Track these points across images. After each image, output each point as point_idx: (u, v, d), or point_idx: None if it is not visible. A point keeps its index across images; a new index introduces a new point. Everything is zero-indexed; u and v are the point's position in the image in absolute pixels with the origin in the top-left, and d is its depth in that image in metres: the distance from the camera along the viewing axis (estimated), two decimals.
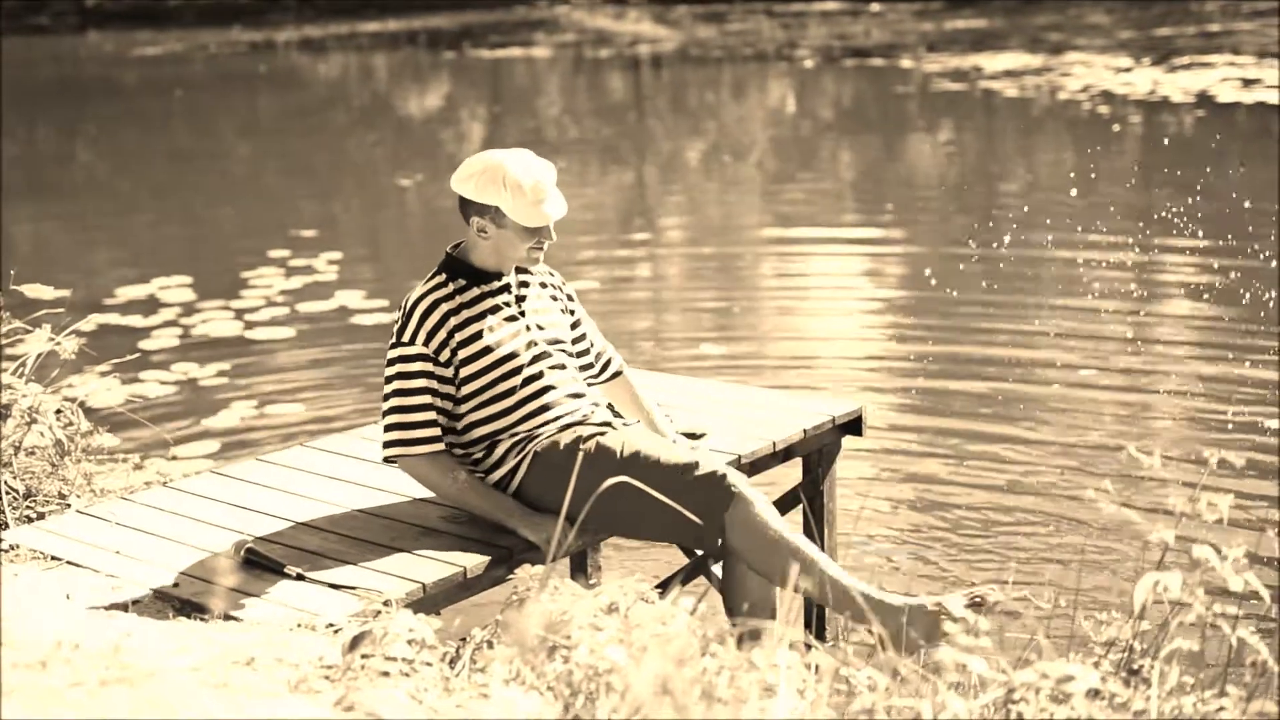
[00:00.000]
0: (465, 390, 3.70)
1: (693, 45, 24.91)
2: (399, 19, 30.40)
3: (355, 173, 14.49)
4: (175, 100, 20.20)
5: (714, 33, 26.36)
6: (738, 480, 3.54)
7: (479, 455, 3.76)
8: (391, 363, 3.70)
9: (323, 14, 31.41)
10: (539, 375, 3.75)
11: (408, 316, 3.69)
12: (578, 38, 26.82)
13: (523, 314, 3.79)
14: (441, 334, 3.67)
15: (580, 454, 3.59)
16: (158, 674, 2.48)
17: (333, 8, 31.99)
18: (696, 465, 3.55)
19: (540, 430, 3.73)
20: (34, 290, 4.42)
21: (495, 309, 3.75)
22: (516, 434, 3.72)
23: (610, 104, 19.47)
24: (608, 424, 3.80)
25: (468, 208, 3.71)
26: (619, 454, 3.61)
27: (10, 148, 16.07)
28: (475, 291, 3.75)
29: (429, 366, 3.67)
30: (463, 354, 3.68)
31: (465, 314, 3.71)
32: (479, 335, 3.70)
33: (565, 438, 3.70)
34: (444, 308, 3.69)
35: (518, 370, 3.71)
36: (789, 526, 3.53)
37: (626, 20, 29.23)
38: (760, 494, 3.56)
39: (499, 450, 3.73)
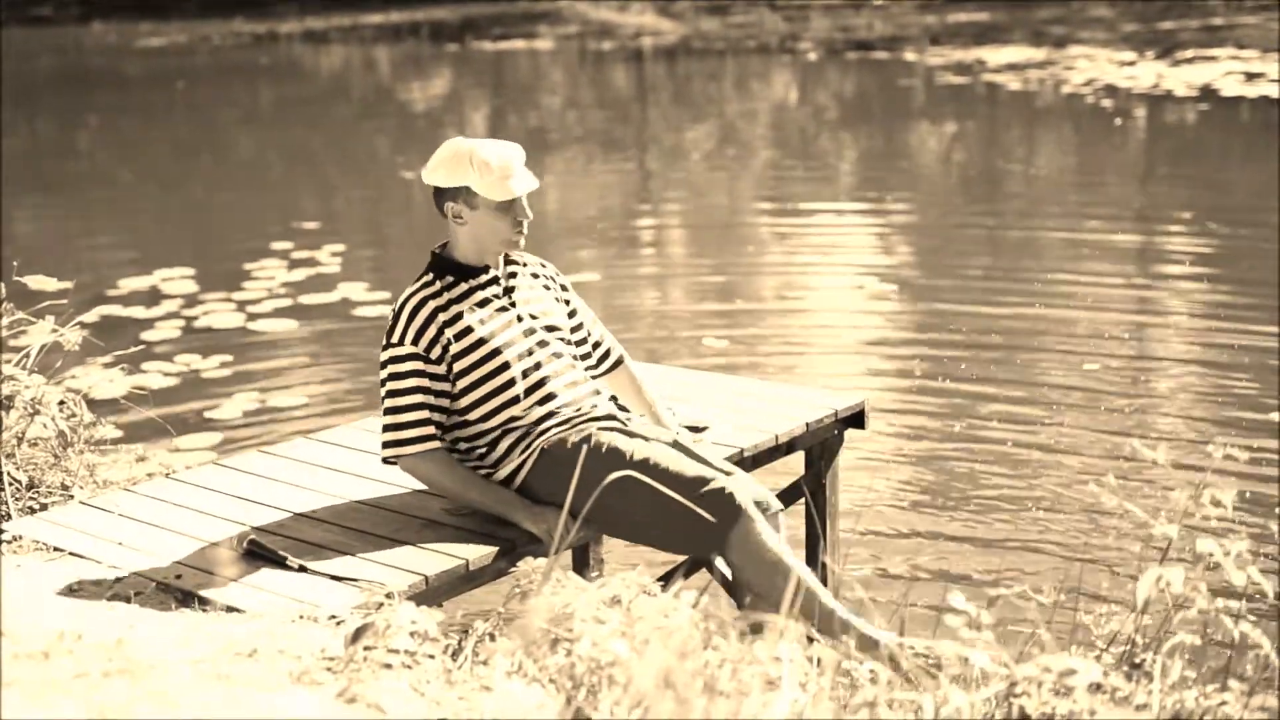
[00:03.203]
0: (461, 384, 3.70)
1: (696, 38, 24.88)
2: (401, 10, 30.37)
3: (358, 165, 14.48)
4: (178, 92, 20.19)
5: (717, 25, 26.33)
6: (744, 499, 3.53)
7: (483, 450, 3.75)
8: (384, 365, 3.72)
9: (325, 6, 31.37)
10: (536, 366, 3.75)
11: (396, 318, 3.71)
12: (581, 30, 26.79)
13: (513, 304, 3.80)
14: (431, 331, 3.67)
15: (587, 450, 3.59)
16: (160, 665, 2.48)
17: None
18: (705, 480, 3.54)
19: (545, 425, 3.72)
20: (37, 281, 4.42)
21: (484, 302, 3.76)
22: (520, 429, 3.72)
23: (613, 96, 19.45)
24: (612, 417, 3.79)
25: (441, 197, 3.73)
26: (629, 457, 3.61)
27: (13, 139, 16.07)
28: (463, 287, 3.76)
29: (419, 365, 3.67)
30: (455, 348, 3.68)
31: (454, 309, 3.71)
32: (470, 329, 3.70)
33: (573, 435, 3.69)
34: (431, 305, 3.70)
35: (513, 362, 3.71)
36: (789, 550, 3.53)
37: (630, 12, 29.19)
38: (760, 517, 3.53)
39: (502, 446, 3.73)
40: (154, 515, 3.79)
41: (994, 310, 8.14)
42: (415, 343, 3.67)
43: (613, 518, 3.62)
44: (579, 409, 3.77)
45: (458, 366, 3.69)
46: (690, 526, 3.45)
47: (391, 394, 3.69)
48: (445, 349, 3.68)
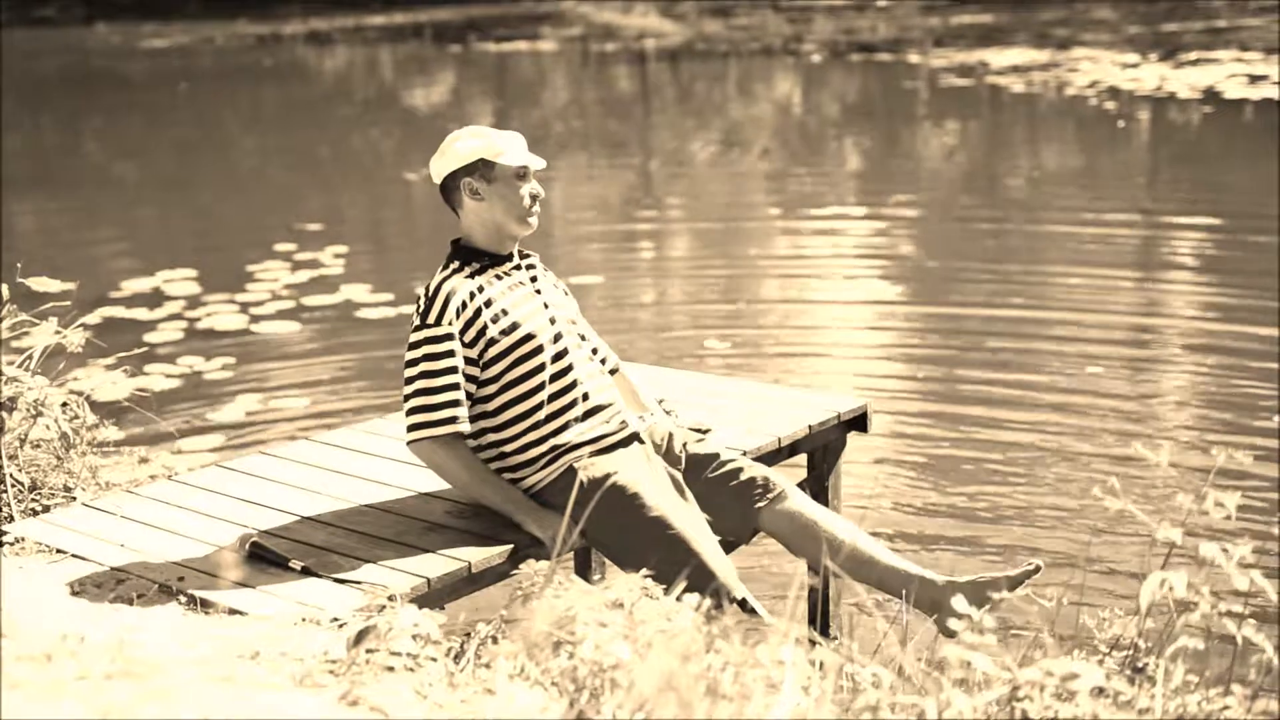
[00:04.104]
0: (492, 371, 3.67)
1: (699, 39, 24.90)
2: (405, 12, 30.41)
3: (361, 166, 14.49)
4: (181, 93, 20.21)
5: (720, 27, 26.35)
6: (739, 593, 3.53)
7: (509, 450, 3.72)
8: (416, 345, 3.66)
9: (329, 7, 31.42)
10: (564, 352, 3.74)
11: (431, 300, 3.67)
12: (584, 31, 26.81)
13: (539, 292, 3.81)
14: (468, 313, 3.65)
15: (608, 488, 3.59)
16: (162, 667, 2.48)
17: (339, 1, 31.99)
18: (706, 566, 3.51)
19: (576, 440, 3.70)
20: (40, 283, 4.41)
21: (514, 286, 3.77)
22: (551, 437, 3.70)
23: (616, 98, 19.46)
24: (637, 437, 3.80)
25: (455, 182, 3.74)
26: (650, 512, 3.60)
27: (16, 140, 16.09)
28: (492, 272, 3.77)
29: (455, 346, 3.64)
30: (493, 330, 3.65)
31: (489, 292, 3.71)
32: (505, 311, 3.69)
33: (604, 463, 3.68)
34: (468, 285, 3.68)
35: (542, 348, 3.70)
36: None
37: (633, 14, 29.21)
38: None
39: (532, 452, 3.70)
40: (156, 517, 3.79)
41: (997, 312, 8.13)
42: (452, 323, 3.64)
43: (615, 547, 3.65)
44: (607, 420, 3.76)
45: (492, 351, 3.66)
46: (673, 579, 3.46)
47: (425, 374, 3.63)
48: (483, 331, 3.65)
